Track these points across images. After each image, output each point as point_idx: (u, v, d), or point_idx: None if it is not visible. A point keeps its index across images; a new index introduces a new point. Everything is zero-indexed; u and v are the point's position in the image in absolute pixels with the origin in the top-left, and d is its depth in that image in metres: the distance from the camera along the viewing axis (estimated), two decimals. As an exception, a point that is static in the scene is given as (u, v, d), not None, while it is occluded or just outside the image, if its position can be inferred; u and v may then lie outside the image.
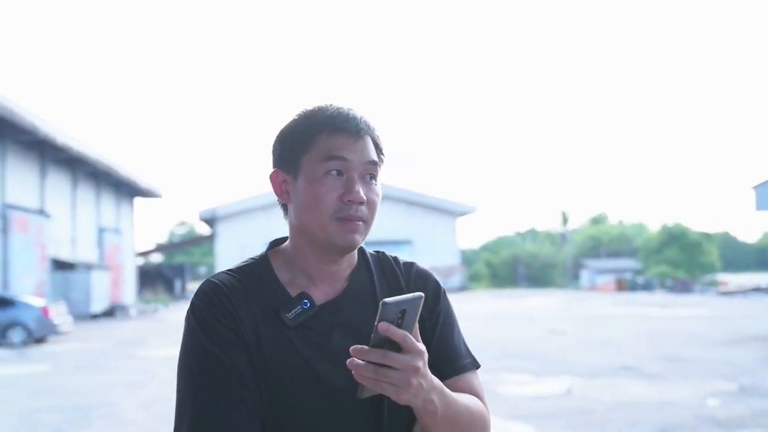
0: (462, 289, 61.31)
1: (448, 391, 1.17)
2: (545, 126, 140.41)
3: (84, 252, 36.38)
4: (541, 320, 22.10)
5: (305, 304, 1.24)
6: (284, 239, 1.34)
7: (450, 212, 65.04)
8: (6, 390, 10.41)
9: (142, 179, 41.99)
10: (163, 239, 79.85)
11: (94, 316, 31.04)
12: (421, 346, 1.07)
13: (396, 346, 1.04)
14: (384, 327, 1.02)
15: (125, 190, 43.15)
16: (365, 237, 1.28)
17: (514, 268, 77.68)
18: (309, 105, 1.32)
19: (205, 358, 1.19)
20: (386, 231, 63.34)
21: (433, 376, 1.13)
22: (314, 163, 1.24)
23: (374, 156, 1.27)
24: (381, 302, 1.03)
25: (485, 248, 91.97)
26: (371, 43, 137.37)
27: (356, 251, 1.34)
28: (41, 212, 31.09)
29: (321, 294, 1.27)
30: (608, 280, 59.44)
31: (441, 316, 1.34)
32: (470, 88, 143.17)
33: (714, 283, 49.35)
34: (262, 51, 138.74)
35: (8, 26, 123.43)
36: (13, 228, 27.95)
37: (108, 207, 41.04)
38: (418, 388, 1.06)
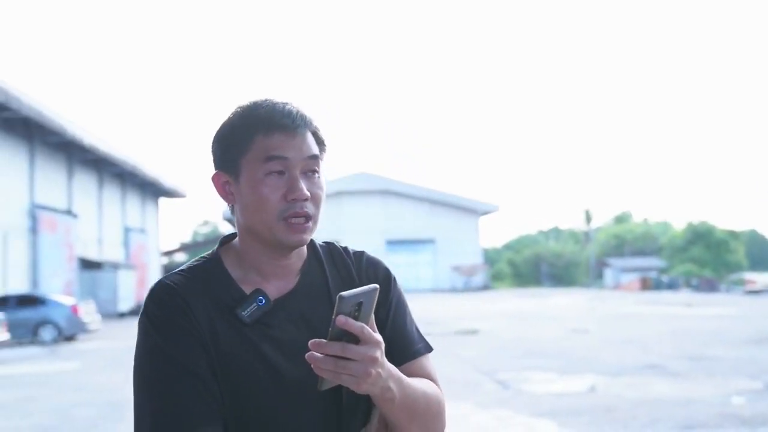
0: (484, 288, 61.12)
1: (404, 377, 1.18)
2: (569, 123, 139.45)
3: (110, 251, 36.88)
4: (565, 319, 22.04)
5: (260, 301, 1.23)
6: (234, 236, 1.34)
7: (473, 211, 64.86)
8: (40, 386, 10.68)
9: (166, 179, 42.44)
10: (186, 239, 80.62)
11: (121, 315, 31.47)
12: (379, 337, 1.08)
13: (354, 338, 1.05)
14: (341, 320, 1.03)
15: (150, 190, 43.66)
16: (313, 232, 1.28)
17: (537, 267, 77.30)
18: (243, 101, 1.29)
19: (162, 359, 1.18)
20: (408, 230, 63.38)
21: (390, 364, 1.14)
22: (254, 164, 1.22)
23: (314, 150, 1.26)
24: (338, 296, 1.04)
25: (508, 247, 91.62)
26: (391, 39, 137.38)
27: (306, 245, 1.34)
28: (69, 212, 31.58)
29: (274, 289, 1.27)
30: (633, 279, 58.93)
31: (393, 304, 1.34)
32: (493, 85, 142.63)
33: (740, 282, 48.69)
34: (275, 52, 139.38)
35: (35, 29, 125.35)
36: (42, 228, 28.46)
37: (133, 207, 41.53)
38: (376, 377, 1.08)
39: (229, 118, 1.28)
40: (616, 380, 9.69)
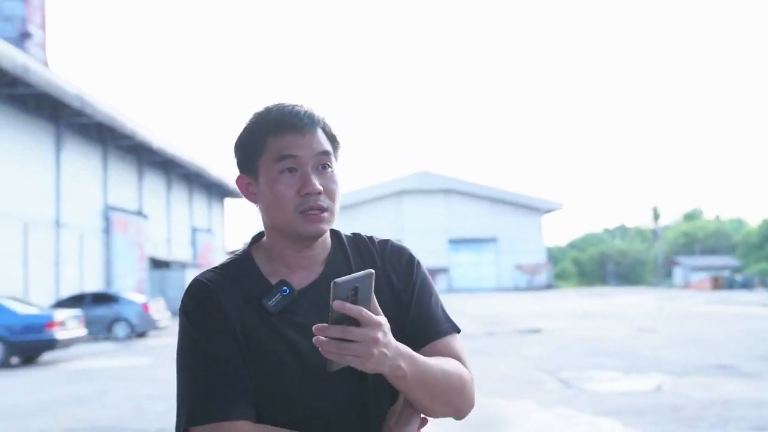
0: (548, 287, 60.26)
1: (418, 356, 1.23)
2: (637, 117, 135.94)
3: (179, 251, 37.97)
4: (631, 318, 21.55)
5: (284, 291, 1.32)
6: (263, 233, 1.42)
7: (536, 209, 64.03)
8: (116, 380, 11.16)
9: (231, 180, 43.32)
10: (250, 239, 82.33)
11: (189, 313, 32.32)
12: (379, 318, 1.13)
13: (355, 321, 1.11)
14: (338, 305, 1.09)
15: (216, 191, 44.72)
16: (331, 223, 1.34)
17: (603, 265, 75.68)
18: (257, 107, 1.38)
19: (197, 350, 1.29)
20: (470, 229, 63.02)
21: (399, 344, 1.19)
22: (269, 164, 1.31)
23: (324, 146, 1.33)
24: (332, 282, 1.10)
25: (573, 245, 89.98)
26: (436, 39, 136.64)
27: (331, 236, 1.41)
28: (139, 213, 32.68)
29: (300, 280, 1.35)
30: (703, 278, 57.05)
31: (416, 286, 1.39)
32: (557, 80, 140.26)
33: (821, 281, 46.53)
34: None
35: (105, 36, 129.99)
36: (115, 228, 29.56)
37: (200, 207, 42.63)
38: (380, 356, 1.12)
39: (245, 125, 1.37)
40: (683, 380, 9.45)
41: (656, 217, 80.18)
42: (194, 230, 40.82)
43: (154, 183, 35.19)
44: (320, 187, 1.30)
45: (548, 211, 65.15)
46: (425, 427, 1.38)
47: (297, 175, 1.31)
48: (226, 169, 43.08)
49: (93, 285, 26.94)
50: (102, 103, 26.05)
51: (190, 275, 33.63)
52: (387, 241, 1.45)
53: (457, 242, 62.98)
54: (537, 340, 15.53)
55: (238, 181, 1.39)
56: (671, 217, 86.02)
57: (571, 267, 77.45)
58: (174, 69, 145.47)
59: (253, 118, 1.37)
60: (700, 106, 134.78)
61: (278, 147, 1.31)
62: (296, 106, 1.35)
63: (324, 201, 1.31)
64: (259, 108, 1.38)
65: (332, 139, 1.37)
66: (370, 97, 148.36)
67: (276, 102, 1.37)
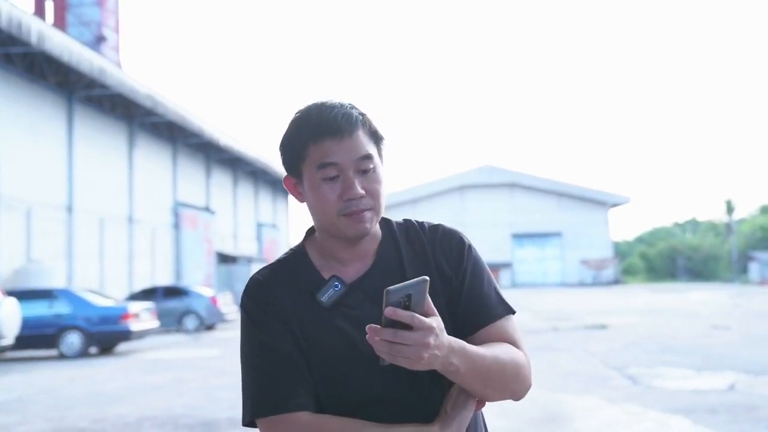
0: (615, 282, 58.91)
1: (471, 348, 1.24)
2: (709, 107, 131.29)
3: (245, 246, 38.79)
4: (703, 315, 20.88)
5: (336, 286, 1.36)
6: None
7: (602, 203, 62.64)
8: (188, 370, 11.55)
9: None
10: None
11: (256, 307, 32.95)
12: (431, 321, 1.14)
13: (407, 325, 1.13)
14: (389, 311, 1.12)
15: (280, 187, 45.39)
16: (376, 221, 1.36)
17: (673, 260, 73.46)
18: (297, 109, 1.38)
19: (258, 345, 1.35)
20: (534, 224, 62.16)
21: (452, 339, 1.20)
22: (310, 171, 1.33)
23: (365, 149, 1.33)
24: (384, 291, 1.13)
25: (641, 240, 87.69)
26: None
27: (381, 225, 1.43)
28: (207, 209, 33.54)
29: (352, 272, 1.38)
30: (782, 273, 54.70)
31: (468, 271, 1.40)
32: (625, 72, 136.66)
33: None
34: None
35: (172, 34, 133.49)
36: (184, 224, 30.43)
37: (265, 203, 43.42)
38: (430, 359, 1.15)
39: (287, 129, 1.39)
40: (759, 379, 9.13)
41: (730, 210, 77.16)
42: (259, 226, 41.61)
43: (221, 179, 36.04)
44: (362, 192, 1.32)
45: (615, 205, 63.62)
46: (482, 408, 1.40)
47: (339, 180, 1.32)
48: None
49: (163, 279, 27.85)
50: (172, 103, 26.86)
51: (256, 270, 34.25)
52: (438, 225, 1.46)
53: (520, 237, 62.19)
54: (603, 336, 15.25)
55: (286, 181, 1.42)
56: (747, 209, 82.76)
57: (639, 262, 75.48)
58: (240, 68, 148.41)
59: (293, 122, 1.38)
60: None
61: (318, 155, 1.32)
62: (335, 107, 1.34)
63: (366, 203, 1.33)
64: (300, 108, 1.39)
65: (374, 136, 1.37)
66: (435, 90, 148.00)
67: (316, 102, 1.38)
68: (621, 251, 75.71)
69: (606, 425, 6.70)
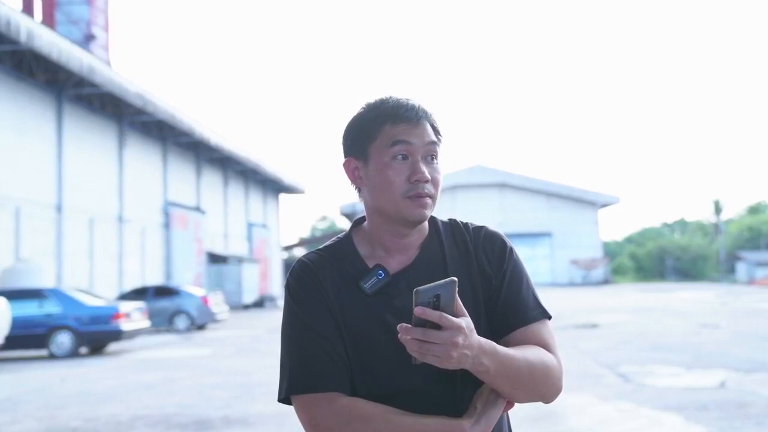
0: (605, 282, 59.13)
1: (501, 349, 1.27)
2: (696, 108, 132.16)
3: (235, 246, 38.67)
4: (692, 314, 21.03)
5: (380, 274, 1.39)
6: (364, 218, 1.50)
7: (592, 203, 62.87)
8: (180, 369, 11.51)
9: (286, 176, 43.86)
10: (305, 234, 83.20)
11: (246, 306, 32.88)
12: (461, 321, 1.18)
13: (437, 325, 1.16)
14: (419, 311, 1.16)
15: (271, 186, 45.37)
16: (433, 210, 1.42)
17: (662, 260, 73.88)
18: (371, 98, 1.46)
19: (299, 324, 1.38)
20: (524, 224, 62.32)
21: (483, 340, 1.23)
22: (381, 150, 1.38)
23: (433, 137, 1.41)
24: (414, 291, 1.16)
25: (630, 240, 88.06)
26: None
27: (428, 222, 1.47)
28: (197, 209, 33.42)
29: (396, 263, 1.42)
30: (769, 273, 55.13)
31: (508, 273, 1.44)
32: (613, 73, 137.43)
33: None
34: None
35: (161, 31, 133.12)
36: (174, 224, 30.32)
37: (256, 203, 43.30)
38: (460, 357, 1.18)
39: (359, 112, 1.45)
40: (749, 377, 9.21)
41: (718, 210, 77.71)
42: (250, 225, 41.50)
43: (211, 179, 35.92)
44: (429, 176, 1.37)
45: (604, 205, 63.87)
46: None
47: (407, 162, 1.38)
48: (280, 166, 43.66)
49: (153, 279, 27.74)
50: (162, 101, 26.75)
51: (246, 269, 34.29)
52: (482, 227, 1.51)
53: (511, 236, 61.53)
54: (594, 334, 15.33)
55: (346, 165, 1.46)
56: (734, 210, 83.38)
57: (628, 262, 75.84)
58: (230, 67, 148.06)
59: (367, 107, 1.45)
60: (763, 95, 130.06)
61: (393, 134, 1.38)
62: (410, 99, 1.43)
63: (430, 189, 1.38)
64: (372, 99, 1.46)
65: (438, 134, 1.44)
66: (425, 91, 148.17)
67: (388, 95, 1.45)
68: (610, 251, 76.04)
69: (598, 422, 6.73)
